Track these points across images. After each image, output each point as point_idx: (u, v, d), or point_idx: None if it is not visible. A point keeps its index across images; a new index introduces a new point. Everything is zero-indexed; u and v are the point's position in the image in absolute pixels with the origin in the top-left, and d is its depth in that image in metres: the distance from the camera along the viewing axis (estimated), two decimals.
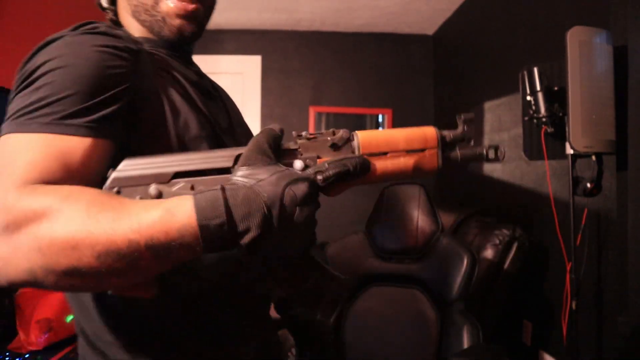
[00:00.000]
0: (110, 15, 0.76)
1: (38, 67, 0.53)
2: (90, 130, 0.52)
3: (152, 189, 0.50)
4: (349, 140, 0.55)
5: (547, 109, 1.54)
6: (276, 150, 0.53)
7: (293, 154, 0.55)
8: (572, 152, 1.45)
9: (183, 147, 0.62)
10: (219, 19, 3.32)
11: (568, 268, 1.52)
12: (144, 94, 0.60)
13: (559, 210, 1.67)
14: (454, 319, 1.51)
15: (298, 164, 0.53)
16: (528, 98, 1.60)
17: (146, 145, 0.58)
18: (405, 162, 0.57)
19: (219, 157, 0.52)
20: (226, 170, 0.52)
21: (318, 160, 0.55)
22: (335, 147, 0.55)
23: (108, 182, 0.50)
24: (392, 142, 0.56)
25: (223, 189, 0.46)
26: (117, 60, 0.56)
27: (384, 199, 1.88)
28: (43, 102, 0.51)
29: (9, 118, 0.52)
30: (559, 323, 1.57)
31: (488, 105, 2.61)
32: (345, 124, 3.67)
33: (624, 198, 1.43)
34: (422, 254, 1.74)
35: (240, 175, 0.48)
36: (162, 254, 0.44)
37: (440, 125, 0.61)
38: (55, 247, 0.43)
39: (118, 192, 0.50)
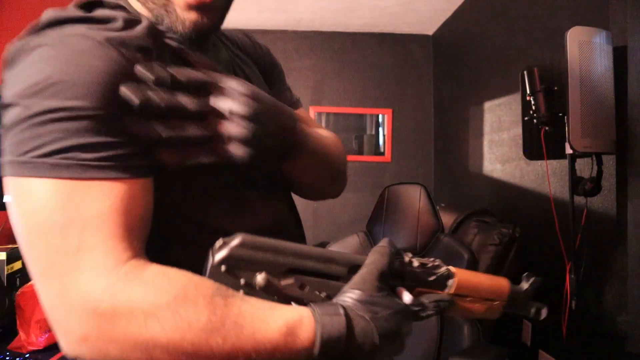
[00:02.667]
0: None
1: (46, 87, 0.43)
2: (135, 170, 0.47)
3: (262, 279, 0.47)
4: (448, 278, 0.58)
5: (547, 109, 1.54)
6: (391, 275, 0.53)
7: (400, 277, 0.55)
8: (571, 152, 1.45)
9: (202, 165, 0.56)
10: None
11: (568, 268, 1.51)
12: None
13: (559, 210, 1.66)
14: (454, 319, 1.51)
15: (408, 297, 0.53)
16: (528, 98, 1.60)
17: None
18: (480, 307, 0.61)
19: (335, 262, 0.51)
20: (337, 277, 0.51)
21: (416, 289, 0.56)
22: (435, 281, 0.57)
23: (219, 256, 0.46)
24: (478, 290, 0.60)
25: (347, 316, 0.46)
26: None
27: (384, 198, 1.88)
28: (70, 143, 0.43)
29: (20, 156, 0.43)
30: (559, 323, 1.57)
31: (488, 105, 2.61)
32: (345, 124, 3.67)
33: (623, 198, 1.43)
34: (422, 254, 1.73)
35: (356, 299, 0.48)
36: None
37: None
38: (170, 354, 0.41)
39: (228, 271, 0.47)
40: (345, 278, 0.51)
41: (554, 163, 1.84)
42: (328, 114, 3.64)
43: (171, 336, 0.41)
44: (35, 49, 0.46)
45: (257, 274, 0.47)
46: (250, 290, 0.47)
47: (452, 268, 0.58)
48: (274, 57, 0.91)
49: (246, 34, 0.86)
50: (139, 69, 0.48)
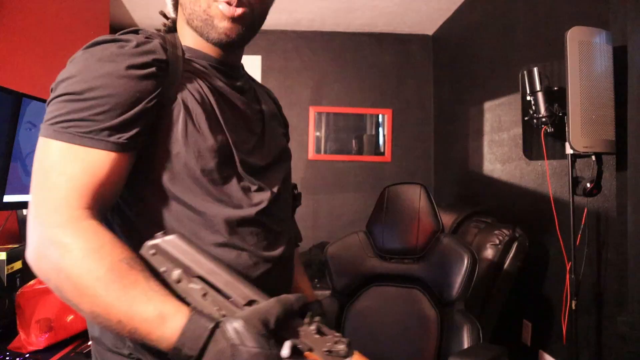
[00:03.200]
0: (168, 22, 0.82)
1: (72, 77, 0.61)
2: (118, 145, 0.60)
3: (176, 274, 0.57)
4: (344, 357, 0.58)
5: (547, 109, 1.54)
6: (282, 323, 0.55)
7: (294, 333, 0.57)
8: (572, 152, 1.45)
9: (191, 157, 0.67)
10: None
11: (568, 268, 1.52)
12: (164, 102, 0.66)
13: (559, 210, 1.67)
14: (454, 319, 1.51)
15: (285, 351, 0.53)
16: (528, 98, 1.60)
17: (156, 149, 0.66)
18: None
19: (239, 291, 0.57)
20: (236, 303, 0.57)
21: (308, 353, 0.56)
22: (329, 353, 0.57)
23: (151, 242, 0.58)
24: None
25: (212, 332, 0.51)
26: (146, 79, 0.63)
27: (385, 198, 1.88)
28: (78, 115, 0.59)
29: (47, 121, 0.60)
30: (559, 323, 1.57)
31: (488, 105, 2.61)
32: (345, 124, 3.67)
33: (623, 198, 1.43)
34: (422, 254, 1.74)
35: (234, 325, 0.52)
36: (135, 338, 0.53)
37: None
38: (68, 281, 0.54)
39: (154, 254, 0.57)
40: (240, 308, 0.56)
41: (554, 163, 1.84)
42: (328, 114, 3.64)
43: (77, 272, 0.54)
44: (77, 55, 0.64)
45: (175, 269, 0.57)
46: (165, 278, 0.57)
47: (356, 353, 0.59)
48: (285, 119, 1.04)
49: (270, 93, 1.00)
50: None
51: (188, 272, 0.57)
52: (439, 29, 3.49)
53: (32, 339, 1.11)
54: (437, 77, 3.59)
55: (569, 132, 1.39)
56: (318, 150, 3.60)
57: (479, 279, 1.76)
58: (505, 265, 1.91)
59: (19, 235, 1.69)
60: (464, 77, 3.04)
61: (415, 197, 1.81)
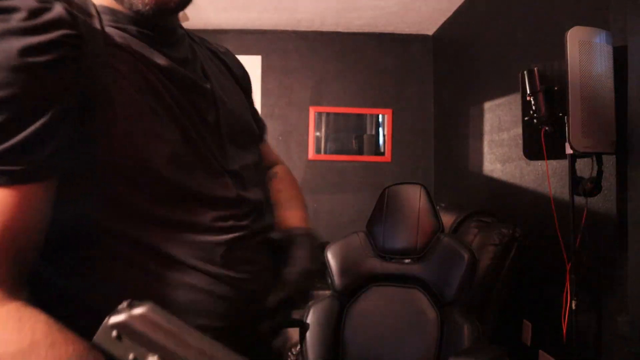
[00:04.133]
0: None
1: None
2: (22, 175, 0.40)
3: None
4: None
5: (547, 109, 1.54)
6: None
7: None
8: (572, 152, 1.45)
9: (141, 149, 0.52)
10: (219, 19, 3.32)
11: (568, 268, 1.51)
12: (88, 93, 0.47)
13: (559, 210, 1.66)
14: (454, 319, 1.51)
15: None
16: (528, 98, 1.60)
17: (95, 149, 0.48)
18: None
19: None
20: None
21: None
22: None
23: (113, 320, 0.40)
24: None
25: None
26: (53, 69, 0.42)
27: (384, 198, 1.88)
28: None
29: None
30: (559, 323, 1.57)
31: (488, 105, 2.61)
32: (345, 124, 3.67)
33: (623, 198, 1.43)
34: (422, 254, 1.74)
35: None
36: None
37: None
38: None
39: (117, 338, 0.40)
40: None
41: (554, 163, 1.84)
42: (328, 114, 3.64)
43: None
44: None
45: (150, 356, 0.40)
46: None
47: None
48: (250, 79, 0.87)
49: (229, 51, 0.85)
50: None
51: (167, 357, 0.41)
52: (439, 29, 3.49)
53: None
54: (437, 77, 3.59)
55: (569, 132, 1.39)
56: (318, 150, 3.60)
57: (479, 278, 1.76)
58: (505, 265, 1.91)
59: None
60: (464, 77, 3.04)
61: (415, 197, 1.81)
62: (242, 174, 0.65)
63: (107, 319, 0.40)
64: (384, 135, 3.66)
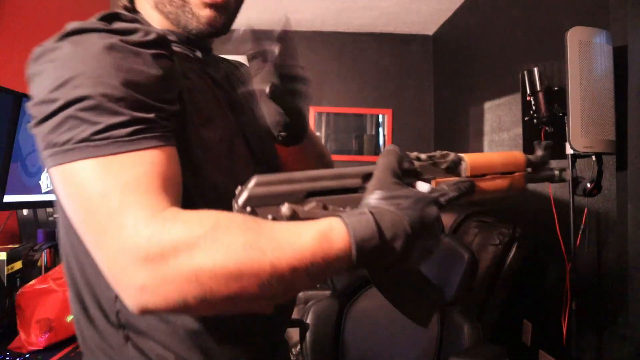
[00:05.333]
0: (124, 2, 0.70)
1: (70, 80, 0.48)
2: (163, 139, 0.51)
3: (286, 209, 0.50)
4: (459, 163, 0.60)
5: (547, 109, 1.54)
6: (402, 172, 0.55)
7: (414, 174, 0.58)
8: (572, 152, 1.45)
9: (207, 152, 0.61)
10: None
11: (568, 268, 1.52)
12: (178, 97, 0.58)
13: (559, 210, 1.67)
14: (454, 319, 1.51)
15: (425, 186, 0.55)
16: (528, 98, 1.60)
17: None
18: (502, 183, 0.63)
19: (348, 176, 0.55)
20: (354, 190, 0.54)
21: (433, 181, 0.58)
22: (448, 170, 0.59)
23: (241, 200, 0.50)
24: (492, 165, 0.62)
25: (372, 212, 0.47)
26: (163, 59, 0.54)
27: None
28: (104, 125, 0.47)
29: (62, 146, 0.47)
30: (559, 323, 1.57)
31: (488, 105, 2.61)
32: (345, 124, 3.67)
33: (623, 198, 1.43)
34: None
35: (378, 198, 0.50)
36: (318, 276, 0.47)
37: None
38: (218, 277, 0.43)
39: (253, 212, 0.49)
40: (362, 189, 0.53)
41: (554, 163, 1.84)
42: (328, 114, 3.64)
43: (216, 260, 0.43)
44: (56, 50, 0.50)
45: (281, 206, 0.50)
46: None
47: (460, 154, 0.60)
48: None
49: (243, 64, 0.91)
50: None
51: (293, 199, 0.50)
52: (439, 29, 3.49)
53: (32, 339, 1.11)
54: (437, 77, 3.59)
55: (569, 132, 1.39)
56: None
57: (479, 279, 1.76)
58: (505, 265, 1.91)
59: (19, 235, 1.69)
60: (464, 77, 3.04)
61: None
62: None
63: (234, 204, 0.50)
64: (384, 135, 3.66)
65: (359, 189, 0.54)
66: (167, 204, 0.47)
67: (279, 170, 0.75)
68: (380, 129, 3.69)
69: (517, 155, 0.64)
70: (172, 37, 0.65)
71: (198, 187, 0.59)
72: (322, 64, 3.61)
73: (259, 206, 0.49)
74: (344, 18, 3.32)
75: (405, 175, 0.55)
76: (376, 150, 3.67)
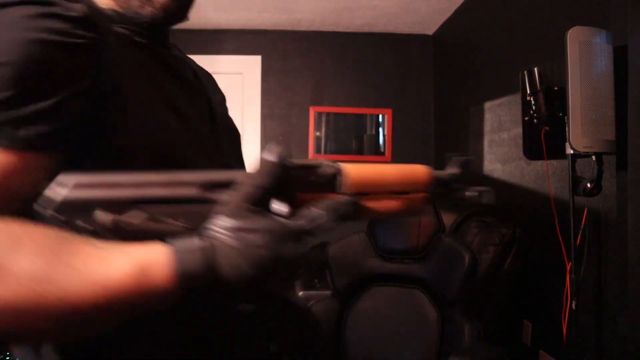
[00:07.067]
0: None
1: None
2: (26, 143, 0.43)
3: (103, 217, 0.41)
4: (334, 177, 0.48)
5: (547, 109, 1.54)
6: (269, 192, 0.45)
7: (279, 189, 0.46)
8: (572, 152, 1.45)
9: (157, 151, 0.54)
10: (219, 19, 3.32)
11: (568, 268, 1.52)
12: (104, 90, 0.50)
13: (559, 210, 1.67)
14: (455, 319, 1.51)
15: (281, 208, 0.44)
16: (528, 98, 1.60)
17: (111, 151, 0.50)
18: (393, 204, 0.51)
19: (183, 184, 0.44)
20: (193, 200, 0.44)
21: (300, 196, 0.47)
22: (321, 184, 0.48)
23: (54, 204, 0.41)
24: (383, 183, 0.51)
25: (206, 247, 0.40)
26: (71, 53, 0.46)
27: None
28: None
29: None
30: (559, 323, 1.57)
31: (488, 105, 2.61)
32: (345, 124, 3.67)
33: (624, 198, 1.43)
34: (423, 254, 1.74)
35: (222, 227, 0.41)
36: (132, 312, 0.41)
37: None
38: None
39: (66, 221, 0.41)
40: (208, 199, 0.44)
41: (554, 163, 1.84)
42: (328, 114, 3.64)
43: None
44: None
45: (99, 215, 0.41)
46: (99, 235, 0.41)
47: (340, 164, 0.49)
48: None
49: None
50: None
51: (114, 208, 0.41)
52: (439, 29, 3.49)
53: None
54: (438, 77, 3.59)
55: (569, 132, 1.39)
56: (318, 150, 3.60)
57: (479, 279, 1.76)
58: (506, 265, 1.91)
59: None
60: (464, 77, 3.04)
61: None
62: (236, 168, 0.70)
63: (41, 209, 0.41)
64: (384, 135, 3.66)
65: (199, 200, 0.44)
66: None
67: (243, 168, 0.70)
68: (380, 129, 3.69)
69: (419, 171, 0.54)
70: (118, 22, 0.58)
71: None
72: (322, 64, 3.61)
73: (73, 213, 0.41)
74: (344, 18, 3.32)
75: (278, 192, 0.45)
76: (376, 150, 3.67)
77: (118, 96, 0.51)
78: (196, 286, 0.40)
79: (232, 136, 0.75)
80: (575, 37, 1.39)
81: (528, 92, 1.59)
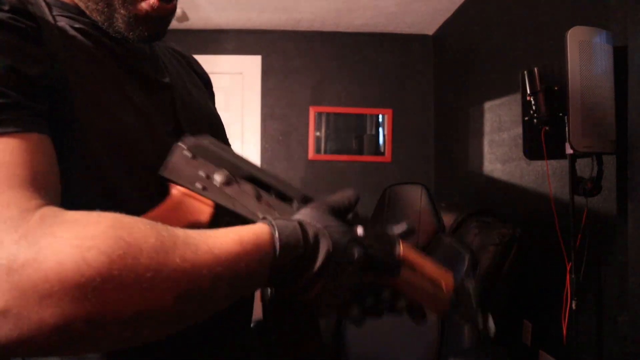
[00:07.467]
0: None
1: None
2: (34, 126, 0.43)
3: (222, 176, 0.46)
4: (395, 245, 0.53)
5: (547, 109, 1.54)
6: (346, 211, 0.52)
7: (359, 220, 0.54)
8: (572, 152, 1.45)
9: (112, 146, 0.52)
10: (219, 19, 3.32)
11: (568, 268, 1.52)
12: (52, 82, 0.48)
13: (559, 210, 1.66)
14: (454, 319, 1.51)
15: (360, 230, 0.50)
16: (528, 98, 1.60)
17: (63, 146, 0.47)
18: (425, 286, 0.53)
19: (290, 187, 0.52)
20: (289, 200, 0.52)
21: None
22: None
23: (189, 141, 0.47)
24: (423, 265, 0.54)
25: (301, 223, 0.45)
26: (17, 36, 0.45)
27: (385, 198, 1.88)
28: None
29: None
30: (559, 323, 1.57)
31: (488, 105, 2.61)
32: (345, 124, 3.67)
33: (624, 198, 1.43)
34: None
35: (308, 214, 0.48)
36: (237, 289, 0.42)
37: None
38: (123, 287, 0.33)
39: (193, 157, 0.46)
40: (298, 205, 0.51)
41: (554, 163, 1.84)
42: (328, 114, 3.64)
43: (121, 264, 0.33)
44: None
45: (218, 171, 0.46)
46: (208, 186, 0.45)
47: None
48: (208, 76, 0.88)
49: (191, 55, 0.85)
50: None
51: (236, 173, 0.47)
52: (439, 29, 3.49)
53: None
54: (438, 77, 3.59)
55: (569, 132, 1.39)
56: (318, 150, 3.60)
57: (479, 279, 1.76)
58: (506, 265, 1.91)
59: None
60: (464, 77, 3.04)
61: (416, 197, 1.81)
62: None
63: (178, 143, 0.47)
64: (384, 135, 3.66)
65: (294, 203, 0.51)
66: (41, 200, 0.38)
67: None
68: (380, 129, 3.69)
69: (448, 274, 0.55)
70: (66, 14, 0.55)
71: (88, 184, 0.50)
72: (322, 64, 3.61)
73: (200, 156, 0.46)
74: (344, 18, 3.32)
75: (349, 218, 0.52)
76: (376, 150, 3.67)
77: (64, 96, 0.49)
78: (291, 254, 0.43)
79: (207, 129, 0.69)
80: (575, 37, 1.39)
81: (528, 92, 1.59)
